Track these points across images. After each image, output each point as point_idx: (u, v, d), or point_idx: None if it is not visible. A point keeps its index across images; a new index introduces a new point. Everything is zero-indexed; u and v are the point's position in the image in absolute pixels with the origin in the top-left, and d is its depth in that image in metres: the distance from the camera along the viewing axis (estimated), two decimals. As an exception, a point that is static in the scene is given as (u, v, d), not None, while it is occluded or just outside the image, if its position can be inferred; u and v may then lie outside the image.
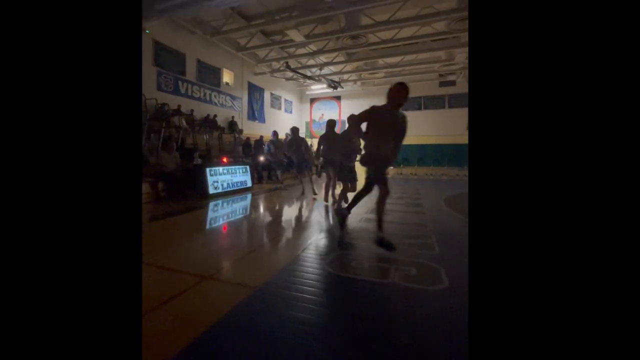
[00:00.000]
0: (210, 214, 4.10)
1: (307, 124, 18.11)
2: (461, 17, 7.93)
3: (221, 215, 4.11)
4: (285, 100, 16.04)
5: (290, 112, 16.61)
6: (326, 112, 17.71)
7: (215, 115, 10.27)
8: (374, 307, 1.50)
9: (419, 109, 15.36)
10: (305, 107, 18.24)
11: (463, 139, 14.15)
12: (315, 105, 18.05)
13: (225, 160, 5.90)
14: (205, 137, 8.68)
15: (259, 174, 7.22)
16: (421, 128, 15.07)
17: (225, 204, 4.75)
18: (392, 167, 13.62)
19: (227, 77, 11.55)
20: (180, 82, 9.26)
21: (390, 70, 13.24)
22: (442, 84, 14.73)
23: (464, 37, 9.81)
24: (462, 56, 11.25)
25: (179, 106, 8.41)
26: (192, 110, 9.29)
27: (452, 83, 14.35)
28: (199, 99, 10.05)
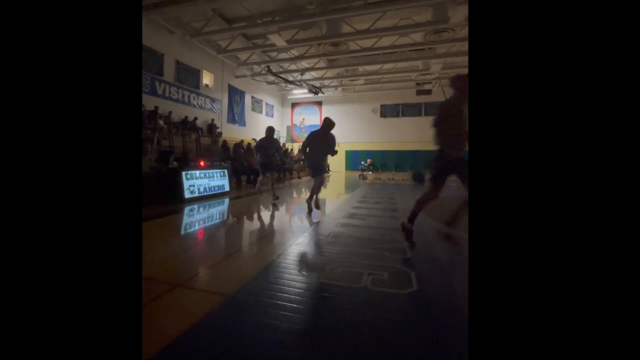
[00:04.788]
0: (185, 219, 4.01)
1: (288, 128, 18.10)
2: (436, 29, 8.28)
3: (196, 220, 4.03)
4: (267, 103, 15.98)
5: (272, 115, 16.55)
6: (307, 117, 17.80)
7: (195, 118, 10.05)
8: (345, 312, 1.54)
9: (397, 116, 15.81)
10: (287, 112, 18.25)
11: (439, 146, 14.64)
12: (297, 109, 18.10)
13: (202, 163, 5.79)
14: (185, 140, 8.46)
15: (238, 178, 7.14)
16: (399, 134, 15.49)
17: (201, 209, 4.66)
18: (370, 172, 13.89)
19: (206, 78, 11.36)
20: (157, 83, 9.01)
21: (370, 77, 13.55)
22: (419, 92, 15.27)
23: (439, 48, 10.25)
24: (437, 66, 11.71)
25: (156, 107, 8.18)
26: (170, 112, 9.06)
27: (428, 92, 14.91)
28: (177, 100, 9.82)
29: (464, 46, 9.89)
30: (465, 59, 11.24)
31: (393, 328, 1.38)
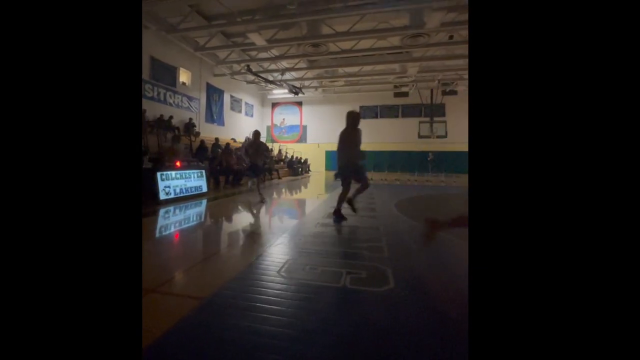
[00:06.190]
0: (160, 222, 3.88)
1: (268, 128, 17.93)
2: (412, 34, 8.53)
3: (171, 222, 3.91)
4: (246, 103, 15.75)
5: (251, 115, 16.33)
6: (288, 117, 17.72)
7: (171, 117, 9.72)
8: (324, 312, 1.55)
9: (375, 117, 16.10)
10: (267, 111, 18.07)
11: (415, 146, 15.11)
12: (277, 109, 17.98)
13: (178, 164, 5.62)
14: (161, 140, 8.15)
15: (216, 179, 6.99)
16: (377, 135, 15.79)
17: (177, 211, 4.53)
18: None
19: (183, 76, 11.04)
20: (129, 80, 8.61)
21: (349, 79, 13.70)
22: (396, 95, 15.67)
23: (416, 52, 10.55)
24: (414, 70, 12.04)
25: (128, 105, 7.82)
26: (144, 110, 8.70)
27: (405, 94, 15.34)
28: (152, 98, 9.47)
29: (438, 50, 10.25)
30: (439, 63, 11.66)
31: (371, 326, 1.41)
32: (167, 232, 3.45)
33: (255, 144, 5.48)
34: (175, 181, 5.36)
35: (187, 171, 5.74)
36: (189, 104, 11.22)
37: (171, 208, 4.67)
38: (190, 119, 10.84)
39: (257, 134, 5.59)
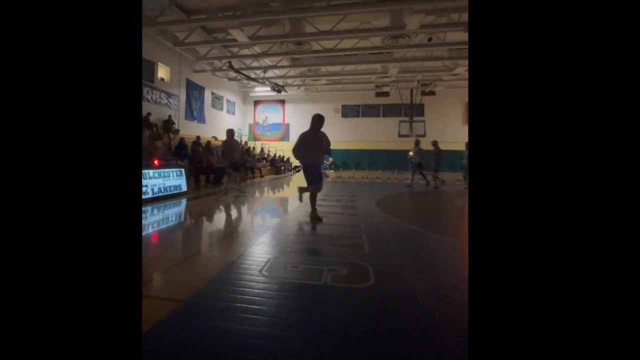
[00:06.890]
0: (138, 222, 3.76)
1: (250, 126, 17.70)
2: (393, 34, 8.69)
3: (149, 223, 3.80)
4: (228, 100, 15.45)
5: (233, 113, 16.04)
6: (270, 115, 17.55)
7: (149, 113, 9.39)
8: (306, 311, 1.56)
9: (358, 116, 16.28)
10: (249, 109, 17.81)
11: (395, 145, 15.40)
12: (259, 107, 17.76)
13: (156, 162, 5.46)
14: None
15: (196, 178, 6.85)
16: (359, 134, 15.98)
17: (155, 211, 4.40)
18: (332, 171, 14.17)
19: (162, 72, 10.68)
20: (103, 74, 8.24)
21: (332, 78, 13.75)
22: (378, 95, 15.92)
23: (397, 53, 10.75)
24: (394, 70, 12.26)
25: (102, 101, 7.49)
26: (118, 106, 8.34)
27: (386, 94, 15.61)
28: (126, 93, 9.07)
29: (418, 52, 10.49)
30: (418, 64, 11.94)
31: (353, 322, 1.44)
32: (145, 232, 3.35)
33: (314, 137, 3.62)
34: (153, 180, 5.20)
35: (166, 170, 5.58)
36: (168, 100, 10.87)
37: (149, 208, 4.53)
38: (170, 116, 10.51)
39: (319, 118, 3.64)
